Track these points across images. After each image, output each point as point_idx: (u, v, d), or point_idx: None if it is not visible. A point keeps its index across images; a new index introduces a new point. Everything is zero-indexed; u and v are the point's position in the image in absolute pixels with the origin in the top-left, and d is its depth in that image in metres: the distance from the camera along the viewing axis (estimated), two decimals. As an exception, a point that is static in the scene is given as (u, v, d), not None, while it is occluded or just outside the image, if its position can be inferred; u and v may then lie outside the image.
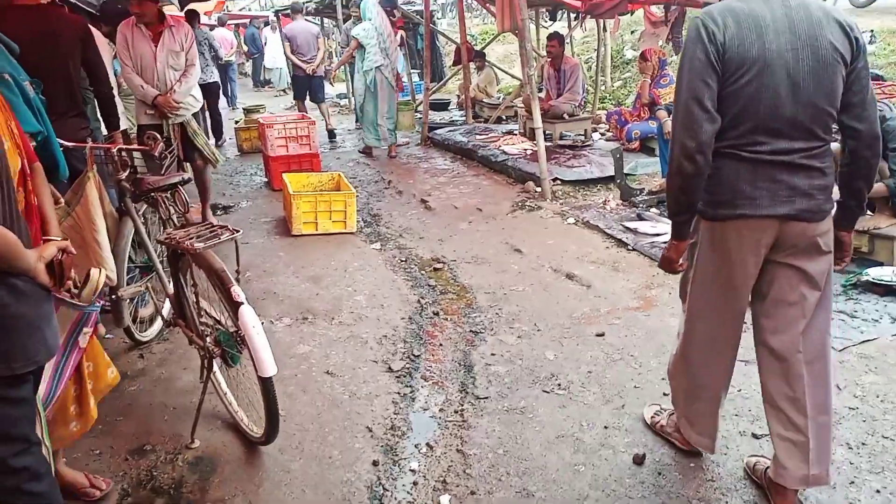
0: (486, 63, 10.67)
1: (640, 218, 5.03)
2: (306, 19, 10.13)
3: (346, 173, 7.45)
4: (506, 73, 11.84)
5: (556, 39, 7.36)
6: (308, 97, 9.13)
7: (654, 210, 5.27)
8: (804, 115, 1.89)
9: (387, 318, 3.82)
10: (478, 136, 7.93)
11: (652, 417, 2.67)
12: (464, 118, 10.03)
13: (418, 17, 10.85)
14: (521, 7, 6.04)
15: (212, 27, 14.19)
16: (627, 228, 4.86)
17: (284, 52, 9.44)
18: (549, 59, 7.43)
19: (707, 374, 2.26)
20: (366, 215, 5.94)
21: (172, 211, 3.19)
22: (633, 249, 4.56)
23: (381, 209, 6.10)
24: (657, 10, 7.00)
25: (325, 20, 18.08)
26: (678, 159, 1.93)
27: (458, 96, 11.28)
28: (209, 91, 8.18)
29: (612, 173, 6.12)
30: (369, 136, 8.01)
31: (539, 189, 5.96)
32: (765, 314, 2.12)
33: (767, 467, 2.24)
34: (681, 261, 2.15)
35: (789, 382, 2.08)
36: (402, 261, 4.77)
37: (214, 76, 8.74)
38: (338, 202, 5.32)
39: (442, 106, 11.20)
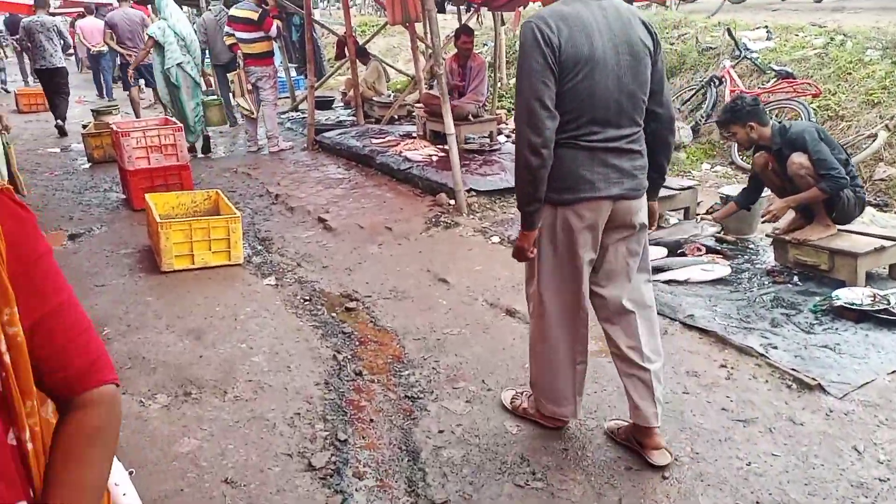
0: (372, 57, 9.88)
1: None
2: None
3: (224, 186, 6.45)
4: (393, 67, 11.09)
5: (470, 35, 6.70)
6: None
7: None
8: (627, 104, 2.15)
9: (297, 386, 3.02)
10: (374, 140, 7.16)
11: (511, 401, 2.75)
12: (352, 118, 9.20)
13: (294, 6, 9.87)
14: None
15: (81, 14, 12.31)
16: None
17: (105, 42, 9.70)
18: (454, 55, 6.79)
19: (564, 349, 2.43)
20: (253, 240, 5.03)
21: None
22: (574, 273, 4.03)
23: (272, 231, 5.20)
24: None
25: (185, 7, 16.46)
26: (526, 155, 2.10)
27: (344, 94, 10.42)
28: (58, 74, 9.15)
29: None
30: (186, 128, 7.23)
31: (453, 202, 5.32)
32: (597, 283, 2.39)
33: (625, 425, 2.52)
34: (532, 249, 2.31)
35: (629, 334, 2.38)
36: (305, 300, 3.95)
37: (62, 62, 9.17)
38: (218, 228, 4.39)
39: (325, 104, 10.28)
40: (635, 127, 2.20)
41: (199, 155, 7.71)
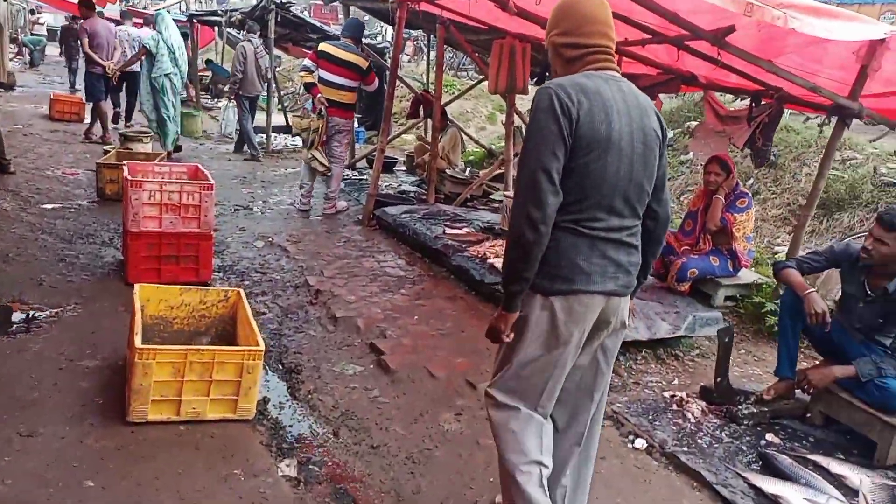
0: (450, 122, 8.54)
1: (769, 466, 2.89)
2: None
3: (250, 264, 4.98)
4: (469, 136, 9.72)
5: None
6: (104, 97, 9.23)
7: (774, 439, 3.14)
8: (633, 194, 1.98)
9: None
10: (448, 230, 5.67)
11: None
12: (417, 189, 7.81)
13: (376, 55, 8.66)
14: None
15: (118, 22, 11.36)
16: (758, 491, 2.70)
17: (82, 49, 9.36)
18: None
19: (533, 452, 2.06)
20: (274, 365, 3.51)
21: None
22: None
23: (303, 354, 3.66)
24: (730, 101, 5.14)
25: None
26: (522, 229, 1.90)
27: (410, 157, 9.08)
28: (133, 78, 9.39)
29: (666, 334, 4.05)
30: (168, 136, 8.13)
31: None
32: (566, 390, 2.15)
33: None
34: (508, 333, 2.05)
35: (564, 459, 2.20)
36: (343, 530, 2.35)
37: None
38: (228, 365, 2.86)
39: (386, 166, 8.89)
40: (636, 220, 2.04)
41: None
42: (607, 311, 2.04)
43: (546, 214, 1.88)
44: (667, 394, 3.51)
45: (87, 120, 10.02)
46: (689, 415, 3.27)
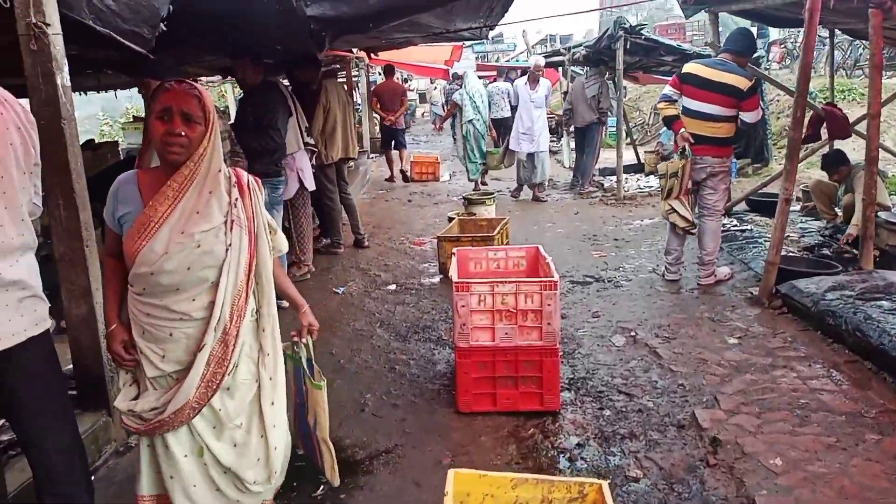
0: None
1: None
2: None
3: (604, 364, 3.66)
4: (894, 155, 7.01)
5: None
6: (392, 146, 11.13)
7: None
8: None
9: None
10: (920, 325, 3.54)
11: None
12: (827, 238, 5.63)
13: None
14: None
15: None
16: None
17: (371, 107, 11.52)
18: None
19: None
20: None
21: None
22: None
23: None
24: None
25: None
26: None
27: (805, 192, 6.84)
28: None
29: None
30: (470, 170, 9.49)
31: None
32: None
33: None
34: None
35: None
36: None
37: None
38: None
39: (770, 207, 6.81)
40: None
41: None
42: None
43: None
44: None
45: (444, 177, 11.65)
46: None
